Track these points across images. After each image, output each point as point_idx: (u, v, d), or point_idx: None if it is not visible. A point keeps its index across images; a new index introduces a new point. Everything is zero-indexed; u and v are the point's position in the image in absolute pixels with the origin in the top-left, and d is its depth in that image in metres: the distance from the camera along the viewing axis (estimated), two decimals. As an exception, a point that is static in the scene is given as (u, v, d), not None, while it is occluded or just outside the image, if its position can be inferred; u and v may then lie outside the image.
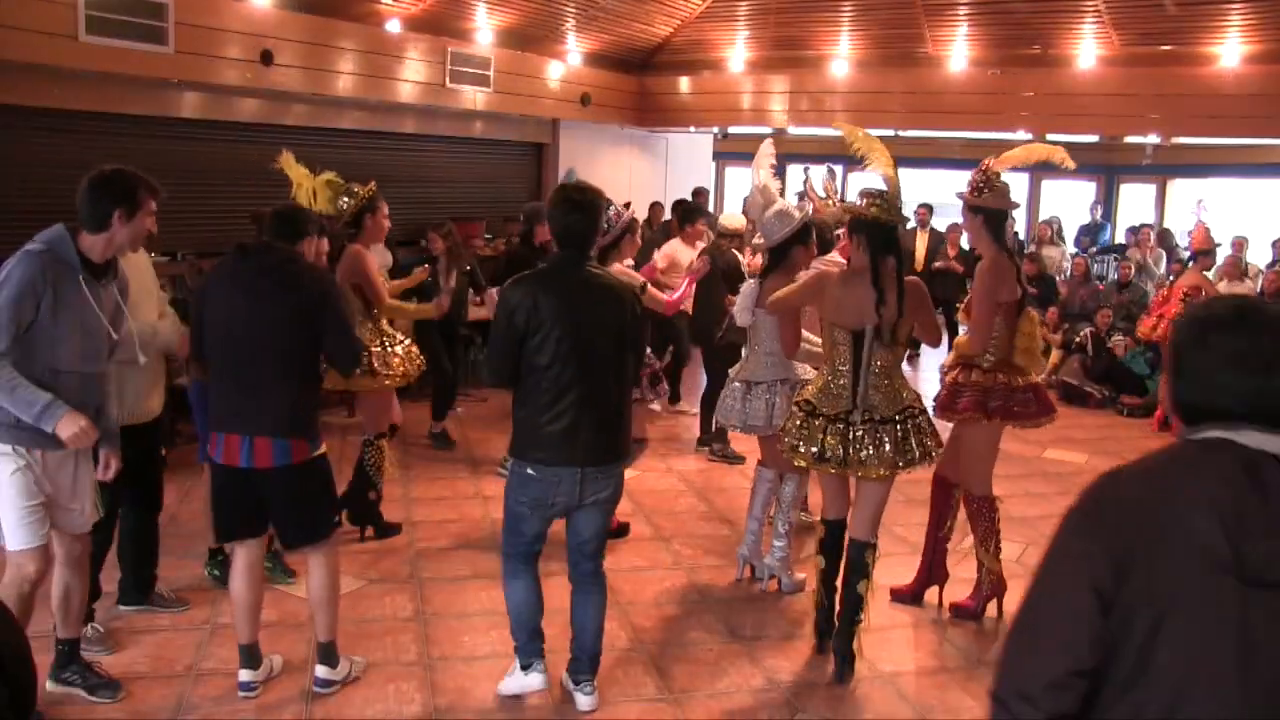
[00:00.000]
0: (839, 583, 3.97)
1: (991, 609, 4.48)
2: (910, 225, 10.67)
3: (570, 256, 3.44)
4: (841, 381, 3.83)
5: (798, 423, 3.90)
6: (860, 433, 3.77)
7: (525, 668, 3.62)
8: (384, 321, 5.06)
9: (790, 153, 15.31)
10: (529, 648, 3.62)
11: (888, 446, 3.75)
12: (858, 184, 15.27)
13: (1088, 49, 9.28)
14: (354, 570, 4.62)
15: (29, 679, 2.87)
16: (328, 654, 3.63)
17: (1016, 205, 4.43)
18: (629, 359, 3.50)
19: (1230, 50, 8.58)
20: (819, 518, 4.16)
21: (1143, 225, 11.39)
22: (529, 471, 3.39)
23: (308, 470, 3.47)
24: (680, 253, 7.11)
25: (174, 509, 5.42)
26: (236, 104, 7.91)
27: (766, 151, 4.77)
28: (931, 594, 4.58)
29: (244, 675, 3.61)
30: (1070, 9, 8.98)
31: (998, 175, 4.22)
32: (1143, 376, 8.74)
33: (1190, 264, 7.94)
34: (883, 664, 4.03)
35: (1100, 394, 8.92)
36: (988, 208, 4.19)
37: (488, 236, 10.06)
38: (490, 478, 6.22)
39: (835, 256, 5.25)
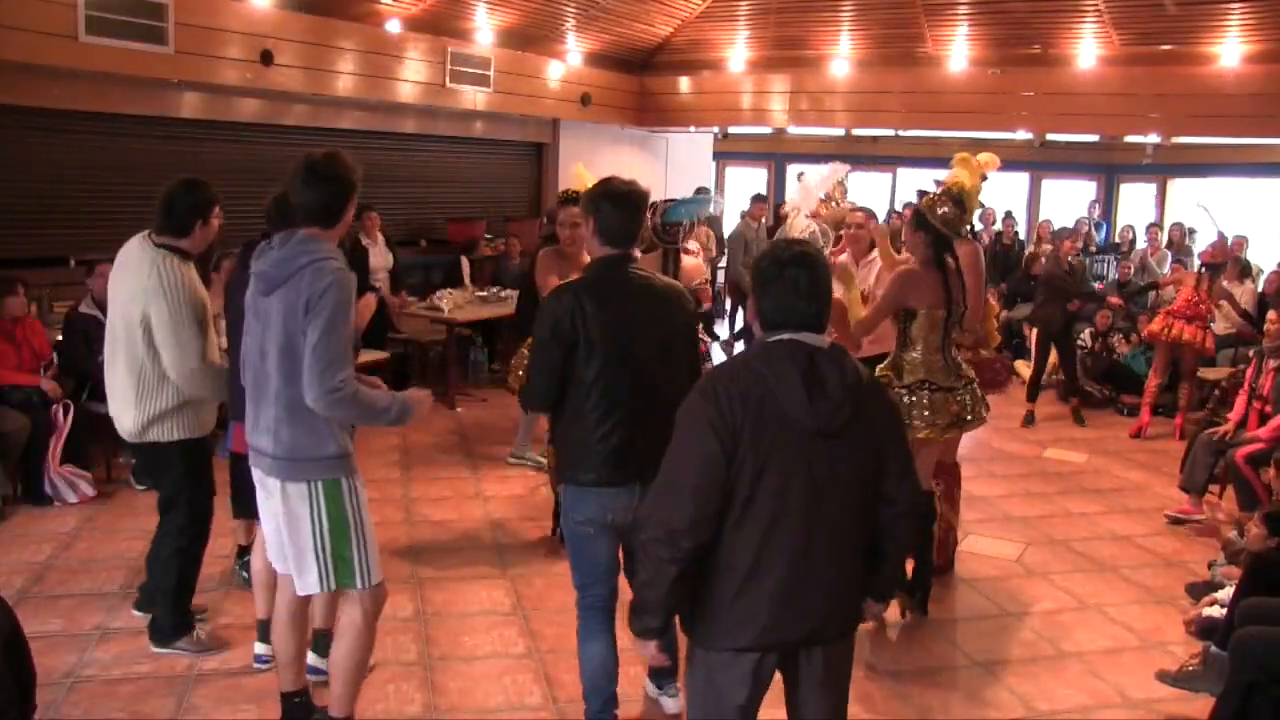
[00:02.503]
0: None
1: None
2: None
3: (613, 258, 3.12)
4: (939, 359, 4.25)
5: (925, 400, 4.25)
6: (967, 398, 4.32)
7: None
8: None
9: (790, 152, 15.37)
10: (602, 717, 3.23)
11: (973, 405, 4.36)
12: (857, 184, 15.30)
13: (1088, 49, 9.27)
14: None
15: (32, 672, 2.87)
16: (324, 642, 3.63)
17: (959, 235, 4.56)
18: (684, 364, 3.16)
19: (1230, 50, 8.57)
20: None
21: (1151, 224, 11.38)
22: (583, 488, 3.13)
23: None
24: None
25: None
26: (236, 104, 7.91)
27: (829, 179, 4.87)
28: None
29: (259, 649, 3.71)
30: (1070, 9, 8.97)
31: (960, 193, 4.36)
32: (1143, 376, 8.72)
33: (1203, 272, 7.88)
34: (883, 664, 4.03)
35: (1100, 393, 8.91)
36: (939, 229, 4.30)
37: (488, 236, 10.06)
38: (490, 478, 6.23)
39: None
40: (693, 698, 2.43)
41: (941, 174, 4.68)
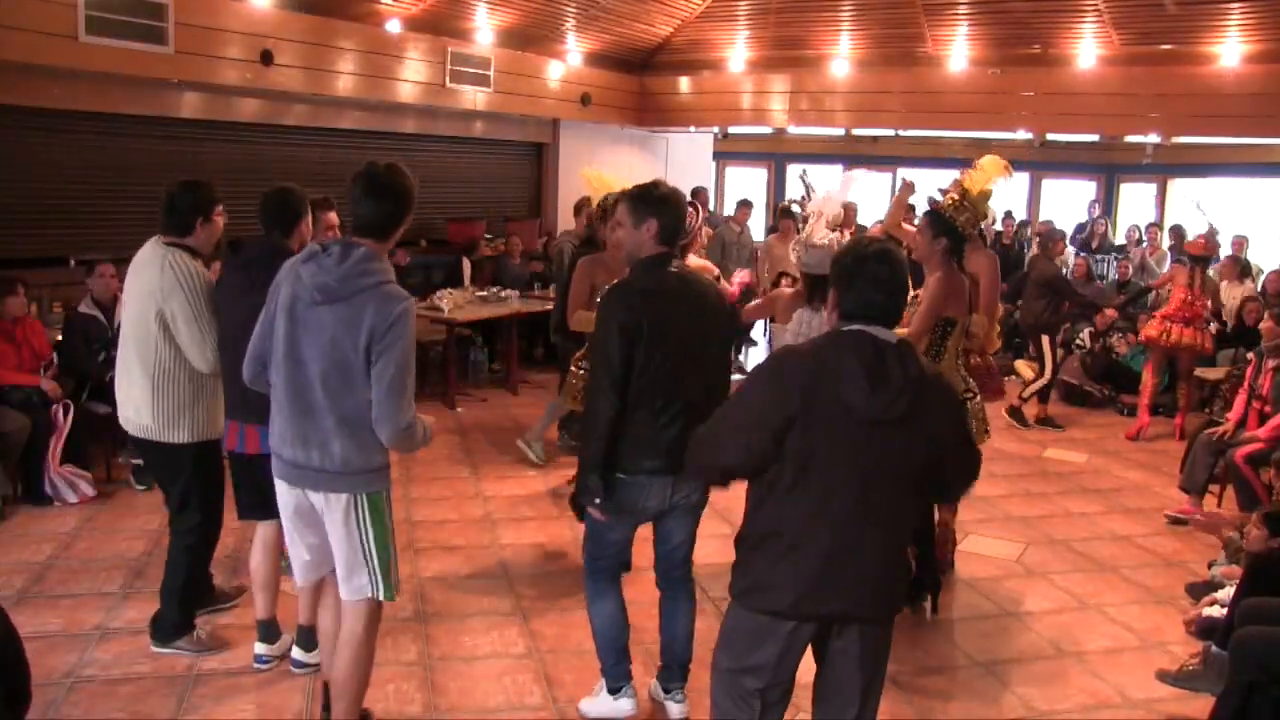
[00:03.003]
0: None
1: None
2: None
3: (663, 256, 3.23)
4: (958, 366, 4.25)
5: (968, 412, 4.25)
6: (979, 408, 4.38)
7: (615, 691, 3.47)
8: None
9: (790, 152, 15.36)
10: (617, 670, 3.47)
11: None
12: (857, 185, 15.22)
13: (1088, 49, 9.28)
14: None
15: (24, 677, 2.86)
16: (308, 637, 3.66)
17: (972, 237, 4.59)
18: (717, 359, 3.34)
19: (1230, 50, 8.58)
20: None
21: (1150, 224, 11.38)
22: (619, 476, 3.19)
23: None
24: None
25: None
26: (236, 104, 7.91)
27: (848, 185, 4.95)
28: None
29: (259, 649, 3.75)
30: (1070, 9, 8.97)
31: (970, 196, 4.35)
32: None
33: (1193, 267, 7.81)
34: (883, 664, 4.03)
35: (1100, 393, 8.91)
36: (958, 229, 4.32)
37: (488, 236, 10.06)
38: (490, 478, 6.23)
39: None
40: (725, 650, 2.58)
41: (941, 174, 4.67)
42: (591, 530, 3.36)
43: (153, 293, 3.62)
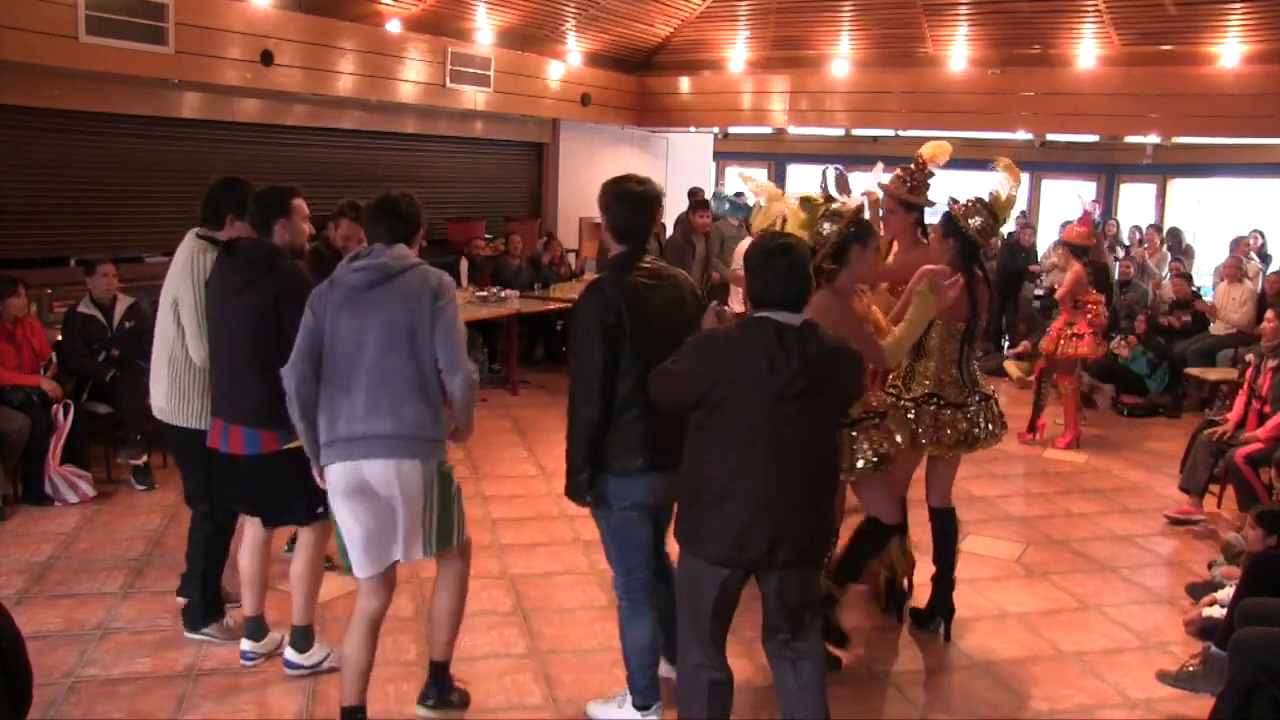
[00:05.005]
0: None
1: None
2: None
3: (634, 251, 3.25)
4: (954, 372, 4.12)
5: (929, 419, 4.09)
6: (980, 415, 4.19)
7: (644, 709, 3.41)
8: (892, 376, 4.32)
9: (790, 152, 15.36)
10: (650, 691, 3.41)
11: (986, 423, 4.21)
12: (858, 185, 15.25)
13: (1088, 49, 9.29)
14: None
15: (25, 674, 2.86)
16: (303, 637, 3.69)
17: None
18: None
19: (1230, 50, 8.59)
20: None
21: (1150, 226, 11.38)
22: (620, 475, 3.20)
23: (275, 461, 3.54)
24: None
25: (176, 509, 5.43)
26: (236, 104, 7.92)
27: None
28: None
29: (245, 645, 3.78)
30: (1070, 9, 8.98)
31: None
32: (1143, 376, 8.73)
33: (1085, 264, 7.33)
34: (883, 664, 4.03)
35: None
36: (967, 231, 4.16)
37: (488, 236, 10.06)
38: (490, 478, 6.22)
39: None
40: (680, 593, 2.99)
41: (941, 174, 4.64)
42: (618, 541, 3.30)
43: (172, 277, 3.84)
